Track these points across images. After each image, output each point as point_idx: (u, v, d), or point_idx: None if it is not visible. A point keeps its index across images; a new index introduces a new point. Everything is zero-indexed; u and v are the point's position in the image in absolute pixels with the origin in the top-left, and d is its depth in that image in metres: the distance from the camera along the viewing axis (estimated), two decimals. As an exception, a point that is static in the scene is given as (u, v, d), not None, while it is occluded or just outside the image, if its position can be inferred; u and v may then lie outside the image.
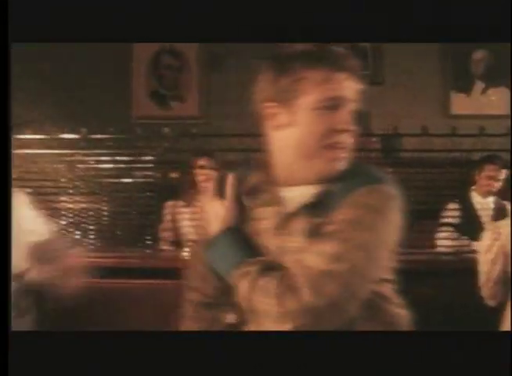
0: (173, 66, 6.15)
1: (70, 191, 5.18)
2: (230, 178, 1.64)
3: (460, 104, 5.90)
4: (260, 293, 1.47)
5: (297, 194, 1.55)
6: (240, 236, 1.57)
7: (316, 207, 1.51)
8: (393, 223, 1.50)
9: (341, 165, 1.54)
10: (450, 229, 4.48)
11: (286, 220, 1.55)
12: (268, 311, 1.46)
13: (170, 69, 6.15)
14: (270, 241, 1.56)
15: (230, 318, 1.65)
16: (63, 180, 5.20)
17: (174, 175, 5.38)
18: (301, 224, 1.53)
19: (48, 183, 5.18)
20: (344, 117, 1.53)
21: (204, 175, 4.48)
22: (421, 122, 4.96)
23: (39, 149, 5.17)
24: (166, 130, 5.11)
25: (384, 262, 1.52)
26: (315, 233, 1.50)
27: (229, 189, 1.62)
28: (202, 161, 4.57)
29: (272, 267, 1.50)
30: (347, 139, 1.55)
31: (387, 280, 1.58)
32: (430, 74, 6.04)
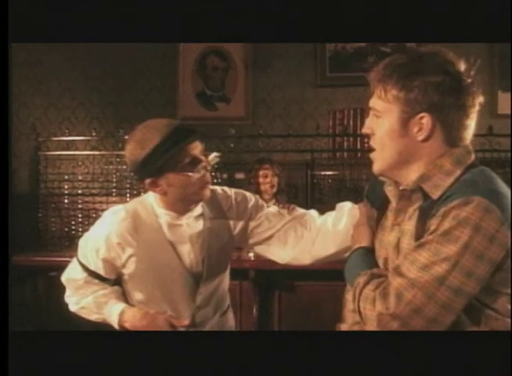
0: (219, 67, 6.16)
1: (128, 191, 5.20)
2: (361, 208, 1.93)
3: (507, 104, 5.74)
4: (362, 300, 1.61)
5: (413, 195, 1.66)
6: (366, 254, 1.77)
7: (424, 212, 1.61)
8: (486, 236, 1.49)
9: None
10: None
11: (400, 219, 1.69)
12: (368, 315, 1.60)
13: (216, 70, 6.16)
14: (387, 237, 1.73)
15: None
16: (114, 180, 5.25)
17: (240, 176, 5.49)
18: (411, 226, 1.63)
19: (96, 184, 5.26)
20: None
21: (265, 177, 4.82)
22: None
23: (84, 150, 5.26)
24: (232, 131, 5.12)
25: (481, 274, 1.52)
26: (419, 238, 1.59)
27: (361, 218, 1.89)
28: (265, 168, 4.86)
29: (377, 276, 1.64)
30: None
31: (498, 292, 1.58)
32: (476, 74, 5.86)
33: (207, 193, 2.15)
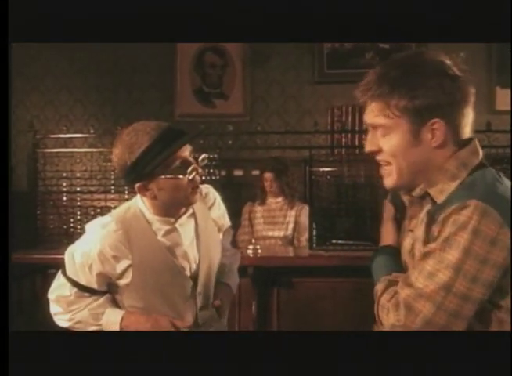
0: (216, 64, 6.16)
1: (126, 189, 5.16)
2: (387, 205, 1.88)
3: (505, 100, 5.75)
4: (380, 308, 1.63)
5: (423, 201, 1.68)
6: (390, 255, 1.77)
7: (431, 217, 1.60)
8: (486, 239, 1.47)
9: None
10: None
11: (412, 224, 1.70)
12: (384, 323, 1.60)
13: (213, 67, 6.16)
14: (403, 243, 1.74)
15: None
16: (112, 178, 5.23)
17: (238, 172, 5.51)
18: (421, 231, 1.62)
19: (95, 181, 5.24)
20: None
21: (269, 182, 4.98)
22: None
23: (82, 147, 5.25)
24: (230, 127, 5.10)
25: (487, 279, 1.49)
26: (427, 243, 1.58)
27: (387, 214, 1.86)
28: (268, 175, 5.00)
29: (394, 283, 1.63)
30: None
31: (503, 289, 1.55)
32: (475, 71, 5.90)
33: (197, 197, 2.14)
